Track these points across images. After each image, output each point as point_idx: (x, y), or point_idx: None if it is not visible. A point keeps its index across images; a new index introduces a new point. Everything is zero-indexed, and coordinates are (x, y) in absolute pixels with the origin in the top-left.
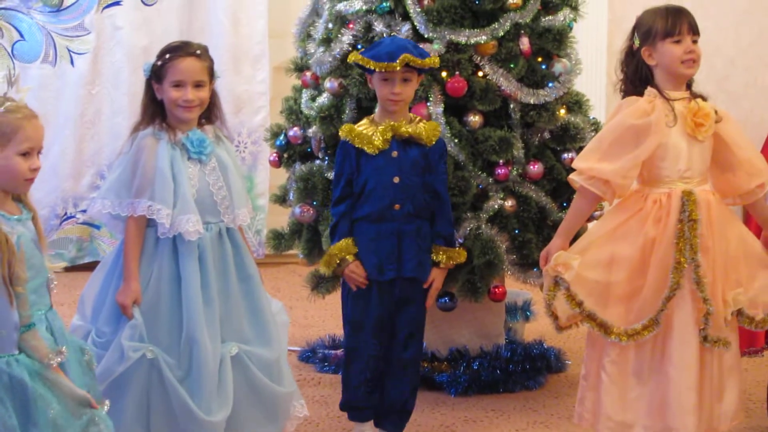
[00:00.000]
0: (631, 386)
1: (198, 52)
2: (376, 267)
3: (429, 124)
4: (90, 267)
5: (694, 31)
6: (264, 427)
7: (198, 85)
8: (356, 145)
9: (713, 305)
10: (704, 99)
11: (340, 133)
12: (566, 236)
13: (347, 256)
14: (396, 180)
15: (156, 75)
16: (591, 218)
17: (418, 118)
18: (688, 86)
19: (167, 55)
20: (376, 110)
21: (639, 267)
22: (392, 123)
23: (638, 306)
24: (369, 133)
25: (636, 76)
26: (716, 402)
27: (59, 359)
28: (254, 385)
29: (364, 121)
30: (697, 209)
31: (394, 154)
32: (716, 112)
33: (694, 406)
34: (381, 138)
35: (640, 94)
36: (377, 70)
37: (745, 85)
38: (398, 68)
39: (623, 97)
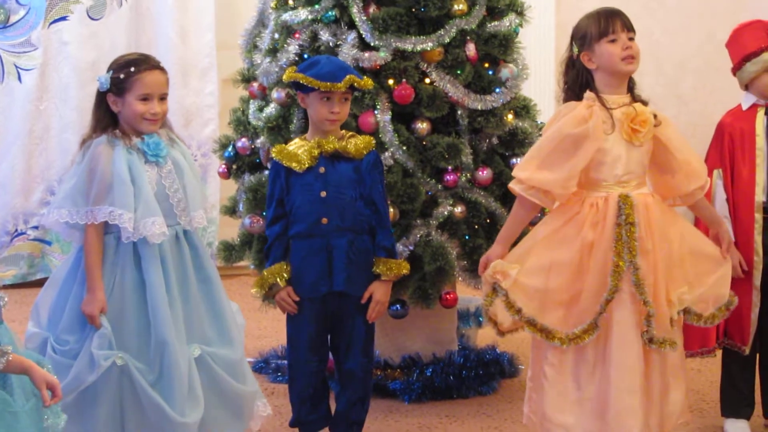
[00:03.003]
0: (571, 389)
1: (161, 64)
2: (310, 284)
3: (362, 139)
4: (41, 283)
5: (629, 28)
6: (230, 427)
7: (162, 98)
8: (285, 164)
9: (654, 307)
10: (645, 103)
11: (272, 153)
12: (506, 243)
13: (279, 281)
14: (323, 194)
15: (117, 88)
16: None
17: (349, 134)
18: (630, 89)
19: (132, 68)
20: (309, 129)
21: (577, 271)
22: (319, 140)
23: (578, 310)
24: (296, 150)
25: (576, 84)
26: (663, 402)
27: (6, 359)
28: (219, 385)
29: (296, 140)
30: (634, 212)
31: (322, 170)
32: (655, 116)
33: (636, 409)
34: (308, 155)
35: (580, 99)
36: (320, 89)
37: (694, 89)
38: (343, 89)
39: (564, 102)
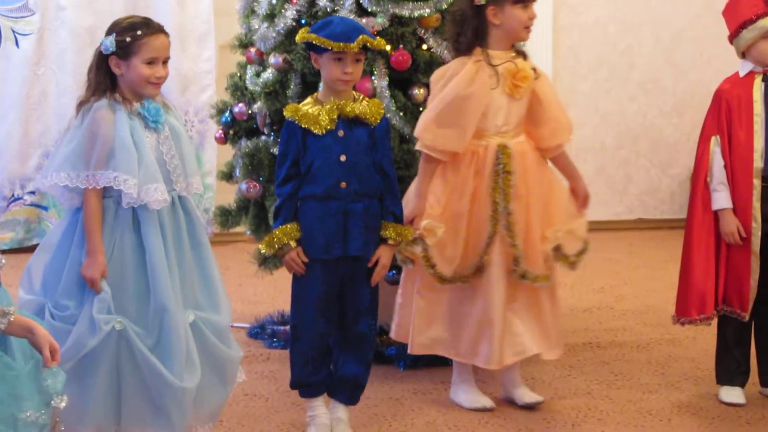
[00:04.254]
0: (443, 308)
1: (164, 28)
2: (322, 246)
3: (372, 102)
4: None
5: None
6: (218, 393)
7: (165, 61)
8: (302, 125)
9: (521, 249)
10: (525, 57)
11: (285, 113)
12: (423, 196)
13: (290, 242)
14: (342, 158)
15: (123, 51)
16: None
17: (361, 96)
18: (513, 45)
19: (138, 32)
20: (320, 89)
21: (468, 219)
22: (338, 102)
23: (468, 253)
24: (315, 113)
25: (476, 30)
26: (536, 332)
27: (8, 319)
28: (210, 351)
29: (308, 100)
30: (511, 161)
31: (341, 133)
32: (534, 70)
33: (498, 339)
34: (327, 118)
35: (470, 52)
36: (333, 49)
37: (692, 57)
38: (356, 49)
39: (455, 54)
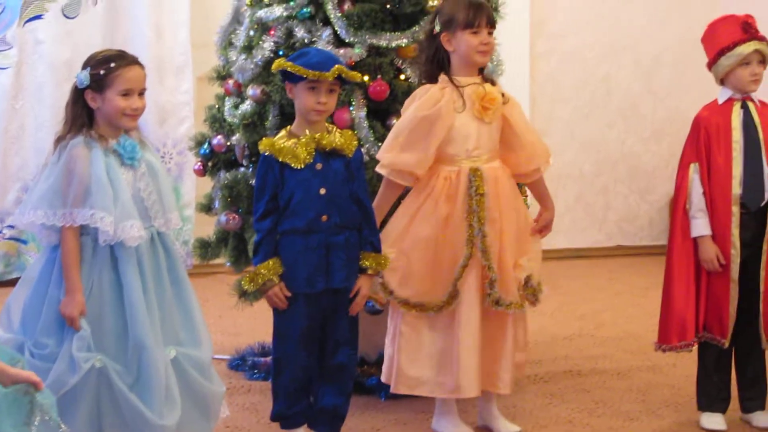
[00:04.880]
0: (425, 345)
1: (139, 60)
2: (305, 280)
3: (345, 134)
4: (17, 282)
5: (492, 24)
6: (201, 427)
7: (141, 93)
8: (280, 159)
9: (498, 272)
10: (493, 83)
11: (260, 148)
12: (378, 221)
13: (273, 277)
14: (322, 191)
15: (97, 84)
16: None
17: (334, 128)
18: (481, 71)
19: (112, 64)
20: (295, 121)
21: (435, 245)
22: (314, 135)
23: (440, 279)
24: (291, 146)
25: (434, 58)
26: (510, 357)
27: None
28: (192, 386)
29: (282, 133)
30: (484, 184)
31: (319, 166)
32: (503, 95)
33: (475, 367)
34: (305, 151)
35: (436, 80)
36: (309, 78)
37: (670, 84)
38: (330, 78)
39: (419, 81)
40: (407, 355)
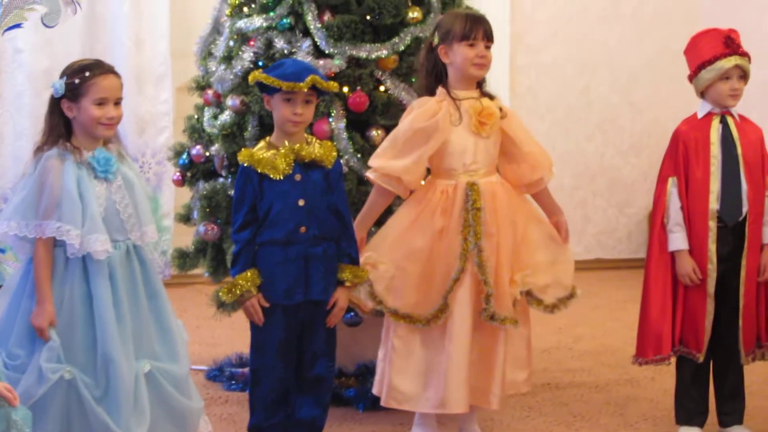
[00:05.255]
0: (417, 360)
1: (115, 69)
2: (284, 291)
3: (325, 145)
4: None
5: (489, 38)
6: None
7: (117, 102)
8: (259, 170)
9: (494, 287)
10: (491, 98)
11: (239, 159)
12: (365, 226)
13: (251, 288)
14: (301, 203)
15: (72, 93)
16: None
17: (313, 139)
18: (479, 85)
19: (86, 73)
20: (274, 133)
21: (429, 257)
22: (293, 146)
23: (431, 292)
24: (271, 157)
25: (433, 71)
26: (505, 371)
27: None
28: (167, 401)
29: (261, 144)
30: (480, 198)
31: (298, 177)
32: (501, 109)
33: (465, 381)
34: (284, 162)
35: (434, 92)
36: (283, 89)
37: (649, 97)
38: (305, 89)
39: (419, 92)
40: (397, 369)
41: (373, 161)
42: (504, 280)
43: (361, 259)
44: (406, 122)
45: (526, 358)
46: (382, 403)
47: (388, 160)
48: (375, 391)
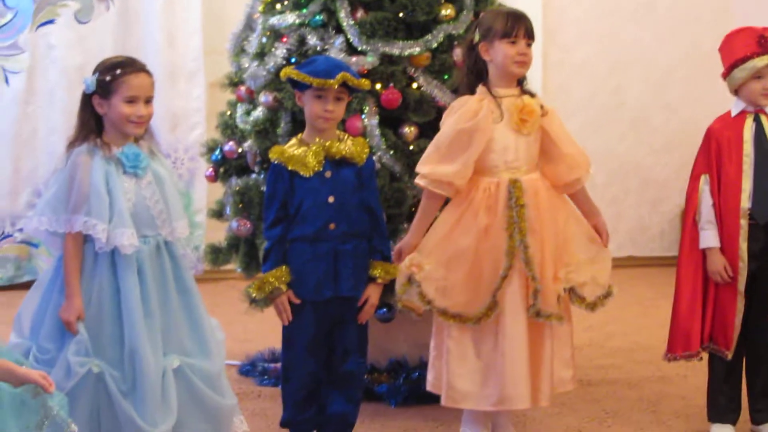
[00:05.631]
0: (470, 359)
1: (146, 68)
2: (313, 287)
3: (357, 141)
4: (28, 285)
5: (530, 36)
6: None
7: (148, 101)
8: (290, 168)
9: (541, 283)
10: (532, 95)
11: (270, 156)
12: (418, 234)
13: (281, 285)
14: (331, 200)
15: (103, 90)
16: None
17: (346, 136)
18: (520, 83)
19: (118, 71)
20: (306, 129)
21: (476, 256)
22: (324, 143)
23: (480, 291)
24: (301, 154)
25: (474, 68)
26: (553, 370)
27: None
28: (198, 397)
29: (293, 141)
30: (523, 195)
31: (328, 174)
32: (542, 107)
33: (526, 376)
34: (314, 160)
35: (474, 91)
36: (314, 85)
37: (681, 96)
38: (335, 86)
39: (458, 90)
40: (454, 370)
41: (421, 167)
42: (548, 277)
43: (406, 262)
44: (449, 124)
45: (571, 356)
46: (443, 403)
47: (437, 166)
48: (429, 387)
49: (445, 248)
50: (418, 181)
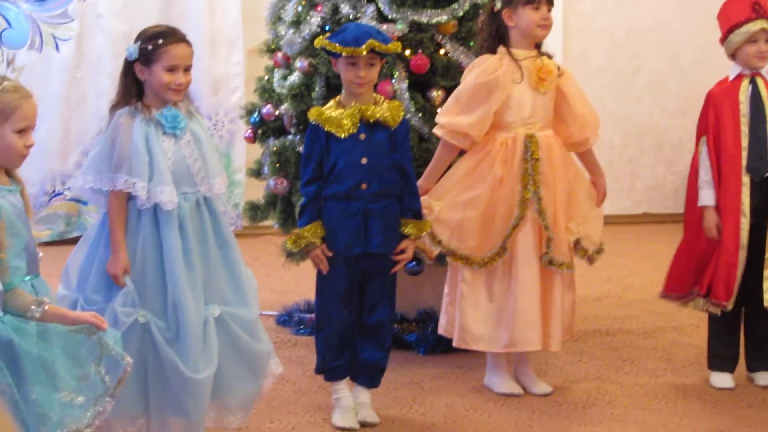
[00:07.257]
0: (483, 304)
1: (186, 38)
2: (344, 243)
3: (392, 105)
4: (77, 241)
5: (550, 1)
6: (248, 384)
7: (187, 69)
8: (326, 129)
9: (554, 232)
10: (550, 57)
11: (309, 117)
12: (431, 180)
13: (315, 240)
14: (363, 161)
15: (145, 58)
16: None
17: (382, 99)
18: (537, 46)
19: (160, 40)
20: (342, 92)
21: (489, 204)
22: (360, 106)
23: (490, 237)
24: (337, 116)
25: (495, 35)
26: (564, 314)
27: (43, 308)
28: (237, 344)
29: (331, 103)
30: (538, 150)
31: (362, 136)
32: (559, 68)
33: (536, 321)
34: (350, 122)
35: (494, 52)
36: (344, 54)
37: (695, 61)
38: (364, 53)
39: (479, 53)
40: (467, 313)
41: (440, 118)
42: (561, 227)
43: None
44: (469, 78)
45: (572, 305)
46: (454, 344)
47: (454, 117)
48: (441, 331)
49: (459, 193)
50: (435, 130)
